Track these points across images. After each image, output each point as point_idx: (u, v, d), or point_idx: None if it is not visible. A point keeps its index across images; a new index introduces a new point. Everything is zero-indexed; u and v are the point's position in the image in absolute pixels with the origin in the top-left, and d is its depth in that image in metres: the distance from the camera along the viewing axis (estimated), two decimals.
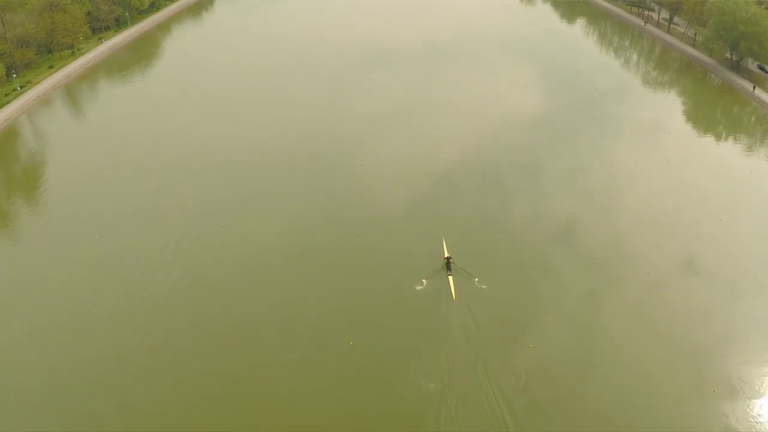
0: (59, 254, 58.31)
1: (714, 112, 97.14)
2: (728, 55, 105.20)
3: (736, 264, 57.05)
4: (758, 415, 41.93)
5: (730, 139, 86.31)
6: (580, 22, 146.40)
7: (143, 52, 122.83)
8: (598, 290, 53.85)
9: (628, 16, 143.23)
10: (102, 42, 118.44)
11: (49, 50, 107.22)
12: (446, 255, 54.91)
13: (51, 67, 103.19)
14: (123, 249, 58.25)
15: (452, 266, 53.62)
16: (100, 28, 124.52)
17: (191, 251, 58.18)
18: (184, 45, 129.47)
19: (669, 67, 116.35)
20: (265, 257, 57.53)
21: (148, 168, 74.18)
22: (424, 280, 52.73)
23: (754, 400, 42.97)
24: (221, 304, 51.59)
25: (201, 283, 53.93)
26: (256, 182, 71.01)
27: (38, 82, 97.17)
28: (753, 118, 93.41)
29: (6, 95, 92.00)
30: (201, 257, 57.48)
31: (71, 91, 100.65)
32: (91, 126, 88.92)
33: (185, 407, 42.29)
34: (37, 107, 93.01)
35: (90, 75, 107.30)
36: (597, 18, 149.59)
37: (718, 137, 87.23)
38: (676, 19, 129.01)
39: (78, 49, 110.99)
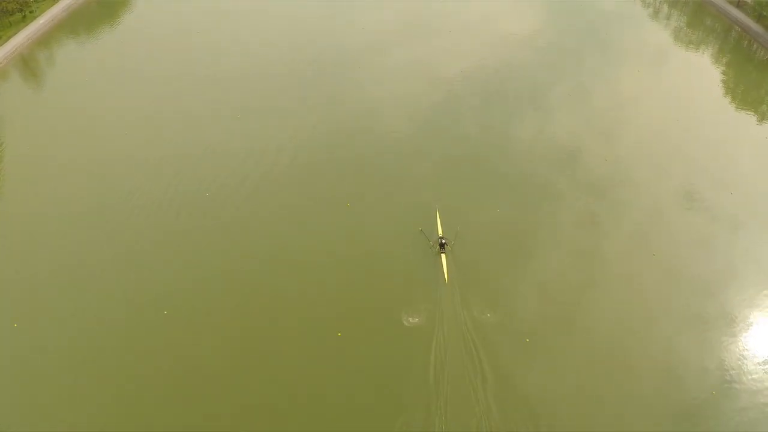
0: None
1: (751, 78, 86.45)
2: None
3: (737, 197, 57.11)
4: (751, 348, 42.90)
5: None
6: None
7: (111, 5, 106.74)
8: (599, 218, 54.43)
9: None
10: None
11: None
12: (440, 235, 51.88)
13: None
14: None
15: (446, 247, 50.78)
16: None
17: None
18: None
19: (702, 24, 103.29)
20: (260, 178, 59.19)
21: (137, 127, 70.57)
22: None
23: (748, 334, 43.79)
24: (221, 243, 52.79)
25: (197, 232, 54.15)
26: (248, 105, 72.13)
27: None
28: None
29: None
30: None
31: (28, 62, 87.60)
32: (59, 97, 79.13)
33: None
34: None
35: (49, 40, 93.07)
36: None
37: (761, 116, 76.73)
38: None
39: (30, 12, 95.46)
